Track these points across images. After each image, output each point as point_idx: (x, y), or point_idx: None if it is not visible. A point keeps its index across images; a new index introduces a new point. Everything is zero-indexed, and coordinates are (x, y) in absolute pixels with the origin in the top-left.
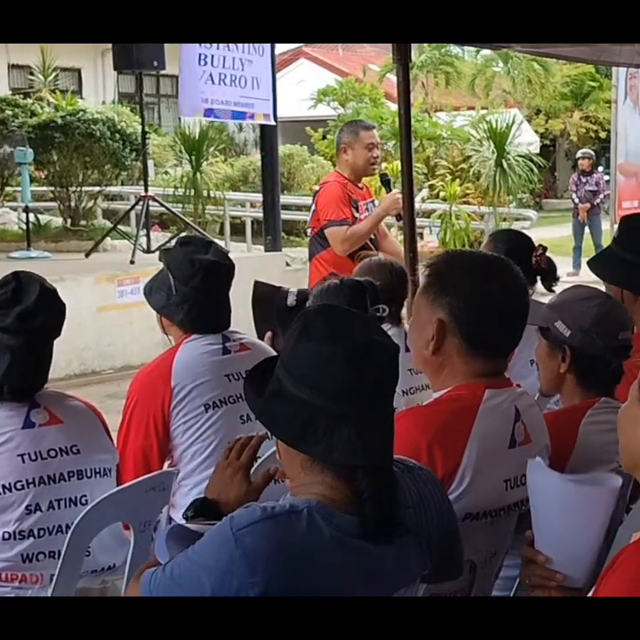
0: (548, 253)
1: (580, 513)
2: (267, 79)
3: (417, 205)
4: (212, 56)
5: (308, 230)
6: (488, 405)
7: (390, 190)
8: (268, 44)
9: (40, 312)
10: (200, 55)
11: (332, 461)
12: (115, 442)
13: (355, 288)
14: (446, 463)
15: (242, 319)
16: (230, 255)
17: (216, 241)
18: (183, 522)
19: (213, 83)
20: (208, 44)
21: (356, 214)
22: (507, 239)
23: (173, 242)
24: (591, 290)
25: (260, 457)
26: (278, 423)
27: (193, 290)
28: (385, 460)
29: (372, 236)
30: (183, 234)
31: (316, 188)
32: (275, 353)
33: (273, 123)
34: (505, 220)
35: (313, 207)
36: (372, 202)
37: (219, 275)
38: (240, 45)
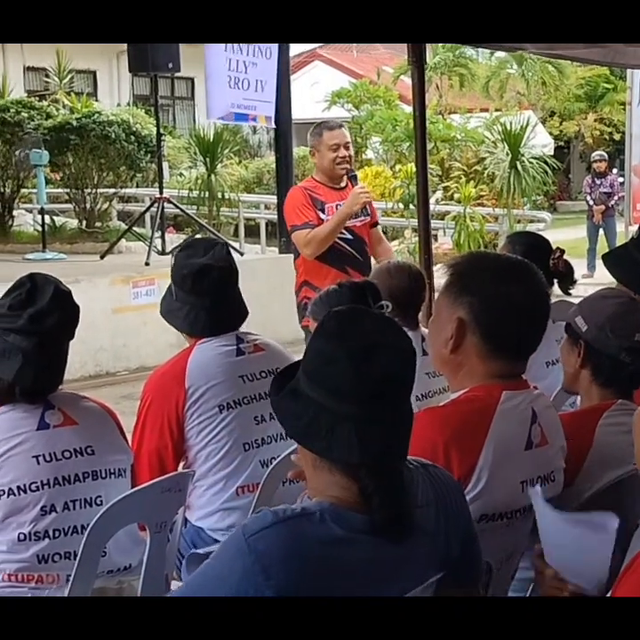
0: (565, 256)
1: (579, 548)
2: (271, 82)
3: (431, 207)
4: (229, 60)
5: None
6: (505, 407)
7: (356, 185)
8: (276, 47)
9: (52, 313)
10: (226, 59)
11: (331, 459)
12: (129, 442)
13: (355, 290)
14: (463, 463)
15: (256, 319)
16: (244, 257)
17: (230, 242)
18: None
19: (230, 87)
20: (232, 49)
21: (322, 216)
22: (525, 241)
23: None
24: (617, 291)
25: (276, 457)
26: (288, 419)
27: (187, 294)
28: (387, 459)
29: (350, 237)
30: (198, 235)
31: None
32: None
33: (273, 125)
34: (519, 221)
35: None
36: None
37: (211, 277)
38: (245, 48)
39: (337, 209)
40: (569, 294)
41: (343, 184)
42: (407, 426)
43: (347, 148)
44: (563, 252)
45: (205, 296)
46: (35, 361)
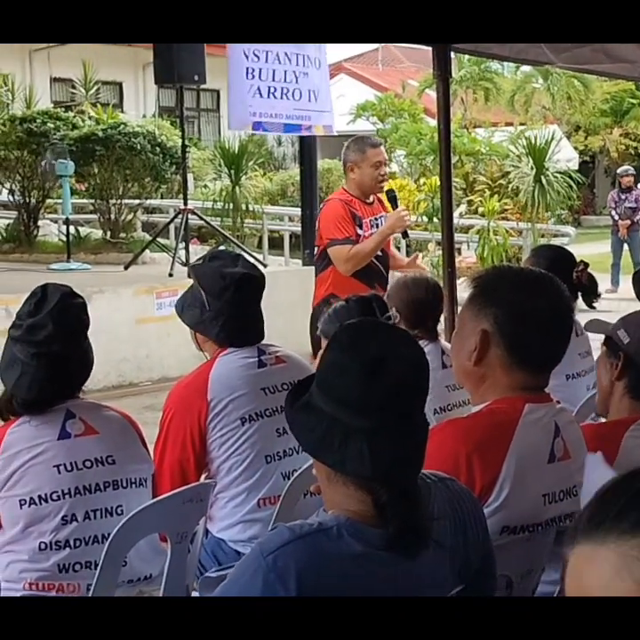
0: (589, 270)
1: None
2: (326, 91)
3: (455, 221)
4: (260, 69)
5: (315, 248)
6: (528, 420)
7: (396, 207)
8: (325, 57)
9: (46, 326)
10: (248, 69)
11: (344, 472)
12: (151, 453)
13: (362, 303)
14: (485, 475)
15: (279, 331)
16: (267, 269)
17: (254, 254)
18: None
19: (262, 96)
20: (256, 58)
21: (360, 232)
22: (549, 255)
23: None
24: None
25: (297, 469)
26: (302, 433)
27: (226, 303)
28: (400, 472)
29: (380, 254)
30: (221, 247)
31: (321, 206)
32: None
33: (334, 133)
34: (543, 236)
35: (317, 225)
36: (383, 217)
37: (250, 287)
38: (294, 58)
39: (371, 224)
40: (593, 308)
41: (371, 199)
42: (421, 438)
43: (386, 166)
44: (586, 265)
45: (244, 305)
46: (31, 372)
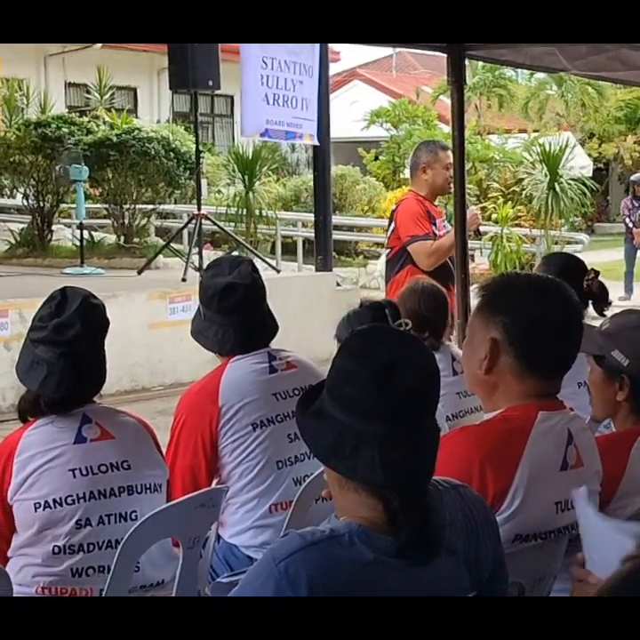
0: (600, 278)
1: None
2: (314, 100)
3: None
4: (268, 77)
5: (386, 251)
6: (541, 427)
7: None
8: (317, 65)
9: (74, 325)
10: (261, 76)
11: (355, 479)
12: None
13: (374, 309)
14: (498, 483)
15: (292, 337)
16: (280, 274)
17: (267, 260)
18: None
19: (268, 103)
20: (264, 65)
21: (435, 230)
22: (559, 262)
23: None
24: None
25: (309, 475)
26: (313, 439)
27: (214, 313)
28: (411, 479)
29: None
30: (234, 252)
31: (393, 207)
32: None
33: (317, 143)
34: (556, 243)
35: (392, 226)
36: (444, 220)
37: (235, 295)
38: (291, 66)
39: (443, 224)
40: (603, 316)
41: (435, 203)
42: (432, 444)
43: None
44: (597, 273)
45: (232, 314)
46: (57, 372)
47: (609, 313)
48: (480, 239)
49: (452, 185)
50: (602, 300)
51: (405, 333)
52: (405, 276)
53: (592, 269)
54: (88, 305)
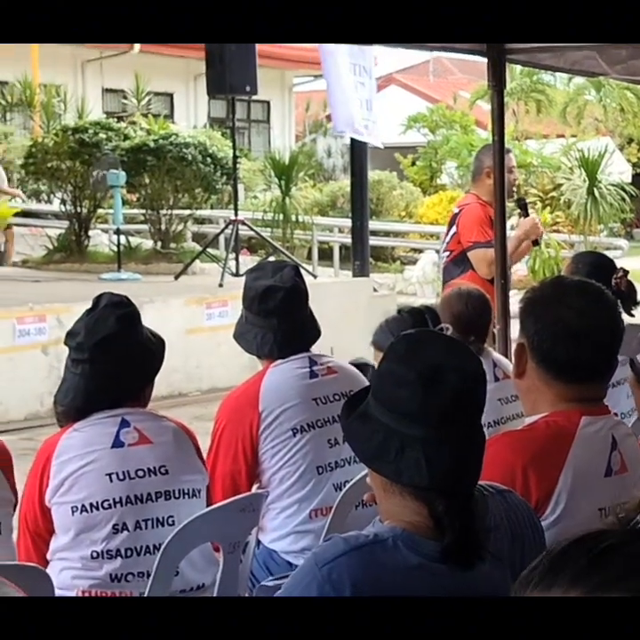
0: (630, 277)
1: None
2: (373, 102)
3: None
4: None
5: (444, 255)
6: (585, 432)
7: (527, 214)
8: (372, 68)
9: (79, 333)
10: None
11: (400, 483)
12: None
13: (415, 315)
14: (541, 488)
15: (329, 342)
16: (317, 280)
17: (303, 265)
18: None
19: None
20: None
21: None
22: (588, 261)
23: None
24: None
25: (349, 480)
26: (358, 442)
27: (255, 315)
28: (456, 483)
29: None
30: (271, 258)
31: (455, 209)
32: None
33: (380, 146)
34: (595, 248)
35: (453, 229)
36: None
37: (276, 298)
38: (353, 68)
39: None
40: (632, 315)
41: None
42: (478, 448)
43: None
44: (626, 272)
45: (271, 317)
46: (70, 379)
47: (637, 312)
48: (539, 247)
49: (514, 189)
50: (630, 299)
51: (452, 338)
52: (464, 281)
53: (621, 268)
54: (102, 314)
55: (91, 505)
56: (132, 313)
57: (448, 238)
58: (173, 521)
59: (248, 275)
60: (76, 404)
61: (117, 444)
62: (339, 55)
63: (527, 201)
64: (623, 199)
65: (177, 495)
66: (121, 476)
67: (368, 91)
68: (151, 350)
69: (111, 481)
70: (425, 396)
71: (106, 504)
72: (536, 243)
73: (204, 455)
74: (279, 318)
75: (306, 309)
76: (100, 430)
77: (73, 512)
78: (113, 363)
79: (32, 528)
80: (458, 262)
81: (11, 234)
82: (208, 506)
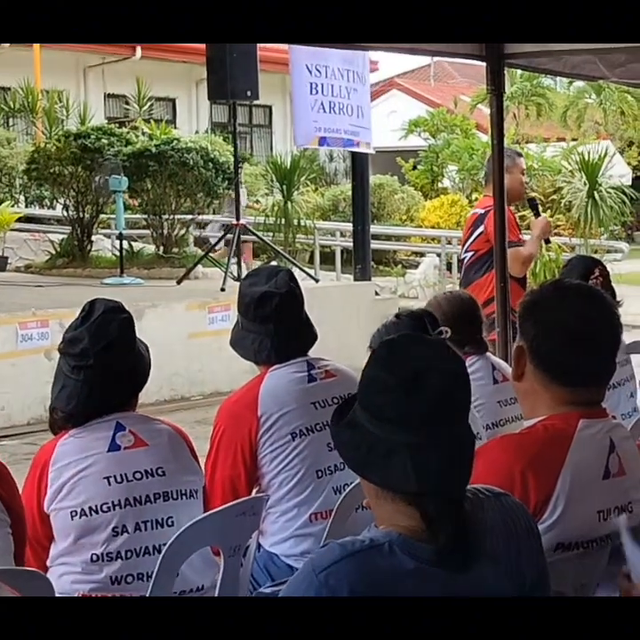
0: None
1: None
2: (368, 108)
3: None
4: (322, 85)
5: (467, 254)
6: (583, 435)
7: (539, 214)
8: (368, 72)
9: (83, 339)
10: (311, 84)
11: (390, 488)
12: (202, 465)
13: (413, 319)
14: (539, 491)
15: (331, 346)
16: (319, 284)
17: (305, 269)
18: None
19: (325, 111)
20: (318, 73)
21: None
22: (567, 263)
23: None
24: None
25: (349, 484)
26: (347, 450)
27: (251, 322)
28: (448, 487)
29: None
30: (273, 262)
31: (478, 211)
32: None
33: (372, 151)
34: (596, 251)
35: (480, 229)
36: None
37: (270, 304)
38: (345, 74)
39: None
40: None
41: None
42: (466, 449)
43: None
44: (605, 273)
45: (268, 323)
46: (71, 385)
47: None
48: (549, 246)
49: (526, 190)
50: None
51: (433, 339)
52: (491, 280)
53: (598, 268)
54: (103, 319)
55: (90, 508)
56: (130, 318)
57: (472, 238)
58: (172, 522)
59: (243, 281)
60: (78, 410)
61: (114, 447)
62: (300, 68)
63: (537, 202)
64: (623, 202)
65: (175, 496)
66: (119, 479)
67: (360, 97)
68: (144, 356)
69: (109, 484)
70: (407, 401)
71: (105, 507)
72: (548, 241)
73: (201, 459)
74: (275, 324)
75: (302, 314)
76: (96, 435)
77: (72, 517)
78: (116, 368)
79: (31, 535)
80: (483, 261)
81: None
82: (204, 506)
